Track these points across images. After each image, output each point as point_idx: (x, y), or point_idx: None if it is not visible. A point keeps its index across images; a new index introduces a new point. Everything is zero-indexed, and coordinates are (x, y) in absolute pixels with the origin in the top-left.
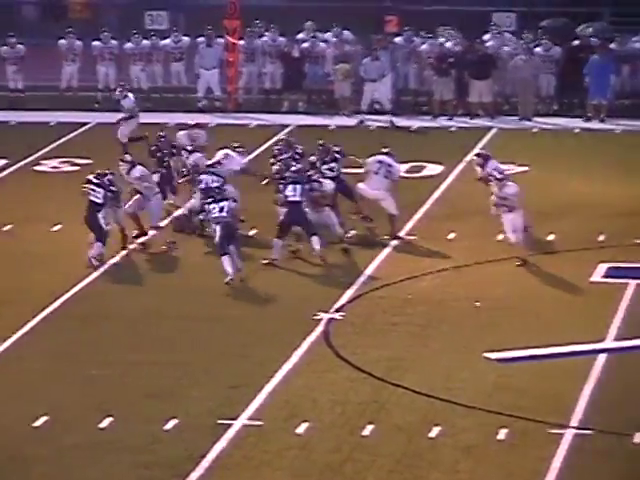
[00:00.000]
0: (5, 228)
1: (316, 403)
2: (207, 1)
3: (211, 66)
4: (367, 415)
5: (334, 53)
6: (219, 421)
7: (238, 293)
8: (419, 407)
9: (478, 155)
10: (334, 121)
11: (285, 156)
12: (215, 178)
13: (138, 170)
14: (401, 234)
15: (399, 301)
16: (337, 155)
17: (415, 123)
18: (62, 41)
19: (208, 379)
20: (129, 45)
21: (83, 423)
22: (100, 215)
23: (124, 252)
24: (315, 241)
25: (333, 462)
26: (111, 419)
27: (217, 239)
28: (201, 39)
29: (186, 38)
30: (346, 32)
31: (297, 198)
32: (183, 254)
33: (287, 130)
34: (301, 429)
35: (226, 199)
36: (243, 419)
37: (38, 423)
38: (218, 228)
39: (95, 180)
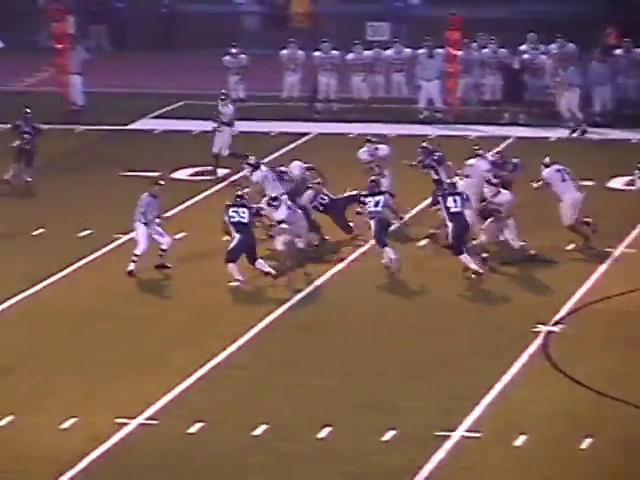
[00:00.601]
0: (227, 238)
1: (534, 416)
2: (428, 12)
3: (432, 77)
4: (586, 428)
5: (555, 65)
6: (437, 432)
7: (457, 303)
8: (639, 421)
9: None
10: (555, 133)
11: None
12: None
13: (259, 174)
14: (623, 247)
15: (619, 314)
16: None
17: (635, 135)
18: (284, 51)
19: (426, 390)
20: (351, 55)
21: (302, 432)
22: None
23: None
24: (466, 259)
25: (551, 475)
26: (330, 429)
27: (373, 233)
28: (421, 50)
29: (407, 49)
30: (570, 44)
31: (459, 209)
32: (402, 264)
33: (507, 142)
34: (519, 441)
35: (382, 193)
36: (461, 431)
37: (258, 432)
38: (373, 222)
39: (235, 202)
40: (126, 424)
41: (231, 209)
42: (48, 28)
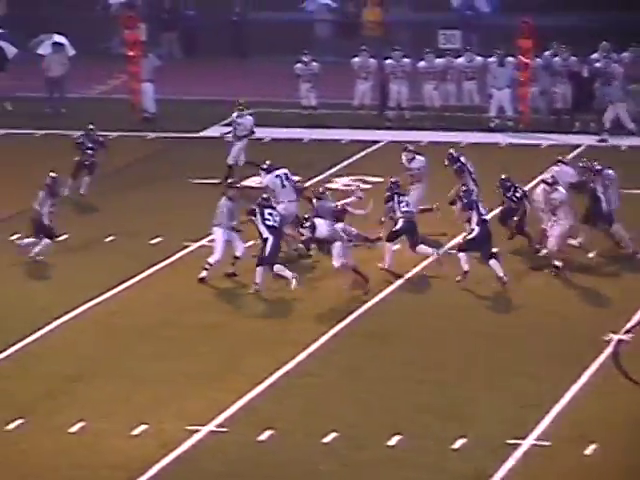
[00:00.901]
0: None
1: (605, 425)
2: (499, 20)
3: (503, 85)
4: None
5: (627, 73)
6: (508, 441)
7: (526, 310)
8: None
9: None
10: (626, 142)
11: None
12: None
13: (269, 177)
14: None
15: None
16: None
17: None
18: (355, 59)
19: (497, 398)
20: (422, 64)
21: (372, 440)
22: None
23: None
24: (496, 266)
25: None
26: (400, 437)
27: (394, 229)
28: (492, 59)
29: (479, 57)
30: None
31: (488, 217)
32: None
33: (578, 150)
34: (589, 450)
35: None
36: (531, 439)
37: (328, 439)
38: (401, 222)
39: (265, 204)
40: (196, 431)
41: (267, 210)
42: (120, 35)
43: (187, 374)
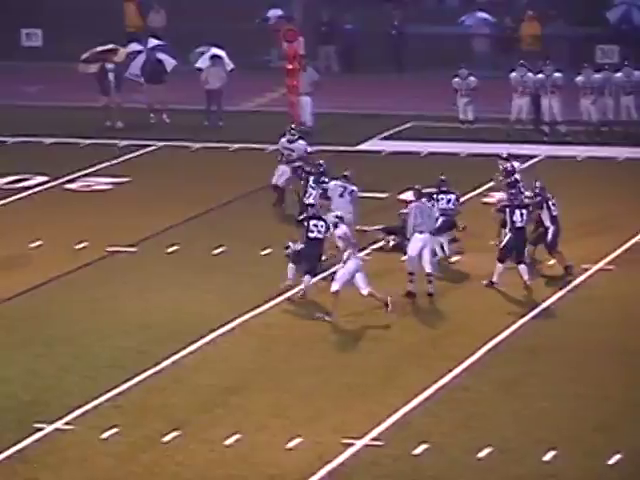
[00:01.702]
0: (455, 259)
1: None
2: None
3: None
4: None
5: None
6: None
7: None
8: None
9: None
10: None
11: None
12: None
13: (330, 185)
14: None
15: None
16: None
17: None
18: (513, 74)
19: None
20: (580, 78)
21: (527, 455)
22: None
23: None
24: (524, 270)
25: None
26: (555, 452)
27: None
28: None
29: (637, 72)
30: None
31: (523, 224)
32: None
33: None
34: None
35: (452, 192)
36: None
37: (483, 454)
38: (442, 219)
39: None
40: (352, 444)
41: (312, 221)
42: (279, 48)
43: (343, 387)
